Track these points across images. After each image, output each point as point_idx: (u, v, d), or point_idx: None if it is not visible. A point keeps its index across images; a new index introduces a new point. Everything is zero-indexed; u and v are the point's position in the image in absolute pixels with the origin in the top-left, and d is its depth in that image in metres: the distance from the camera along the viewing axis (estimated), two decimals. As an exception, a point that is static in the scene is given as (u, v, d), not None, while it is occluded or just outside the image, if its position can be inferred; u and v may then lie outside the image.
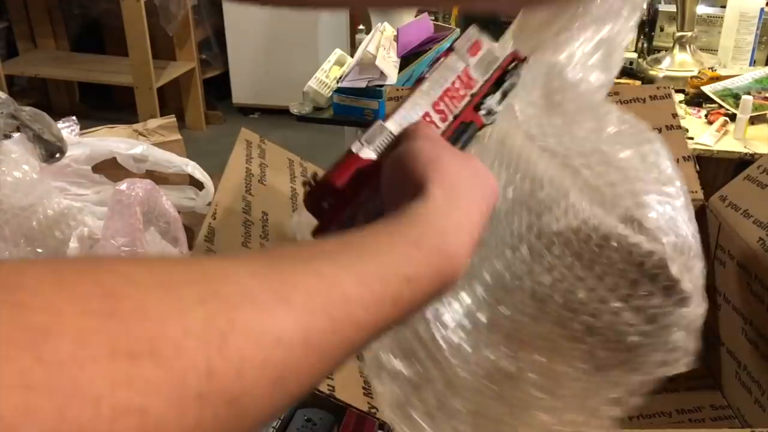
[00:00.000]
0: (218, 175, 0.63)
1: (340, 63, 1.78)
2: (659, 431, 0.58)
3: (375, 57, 1.63)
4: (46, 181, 0.93)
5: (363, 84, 1.63)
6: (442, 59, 0.49)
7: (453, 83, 0.48)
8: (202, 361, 0.22)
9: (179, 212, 0.96)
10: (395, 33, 1.74)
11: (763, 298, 0.62)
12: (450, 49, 0.49)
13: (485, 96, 0.50)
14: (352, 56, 1.77)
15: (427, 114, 0.47)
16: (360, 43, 1.78)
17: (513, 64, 0.51)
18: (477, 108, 0.49)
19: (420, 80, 0.48)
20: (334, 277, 0.28)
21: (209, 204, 0.94)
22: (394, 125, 0.45)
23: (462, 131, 0.48)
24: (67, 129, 1.14)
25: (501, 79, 0.50)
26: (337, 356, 0.27)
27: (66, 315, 0.20)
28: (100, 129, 1.21)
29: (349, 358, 0.28)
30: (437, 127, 0.47)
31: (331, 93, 1.69)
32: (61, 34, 3.29)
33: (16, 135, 0.90)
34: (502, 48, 0.51)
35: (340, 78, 1.71)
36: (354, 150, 0.43)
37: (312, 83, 1.72)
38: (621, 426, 0.60)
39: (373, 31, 1.76)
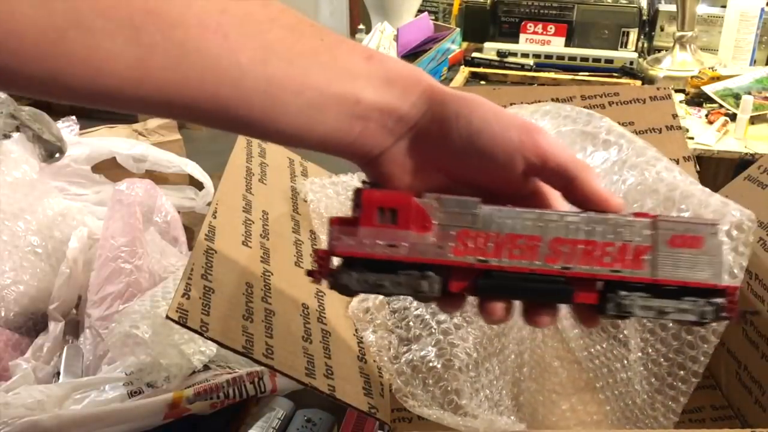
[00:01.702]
0: (218, 175, 0.63)
1: (340, 63, 1.78)
2: (658, 431, 0.57)
3: (375, 57, 1.63)
4: (45, 181, 0.93)
5: (363, 84, 1.62)
6: (633, 217, 0.38)
7: (609, 244, 0.38)
8: None
9: (179, 212, 0.96)
10: (395, 33, 1.74)
11: (763, 298, 0.62)
12: (653, 217, 0.38)
13: (641, 289, 0.38)
14: (352, 56, 1.77)
15: (535, 239, 0.38)
16: (360, 43, 1.78)
17: (716, 302, 0.38)
18: (609, 289, 0.38)
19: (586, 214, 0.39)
20: None
21: (209, 204, 0.94)
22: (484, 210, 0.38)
23: (548, 285, 0.38)
24: (67, 129, 1.14)
25: (681, 294, 0.38)
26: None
27: None
28: (99, 129, 1.21)
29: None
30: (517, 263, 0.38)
31: (331, 93, 1.69)
32: (61, 33, 3.28)
33: (15, 135, 0.90)
34: (720, 269, 0.38)
35: (340, 78, 1.71)
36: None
37: (312, 83, 1.71)
38: (620, 426, 0.60)
39: (373, 31, 1.76)
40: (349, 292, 0.39)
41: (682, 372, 0.56)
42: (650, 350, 0.57)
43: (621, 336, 0.61)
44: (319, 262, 0.39)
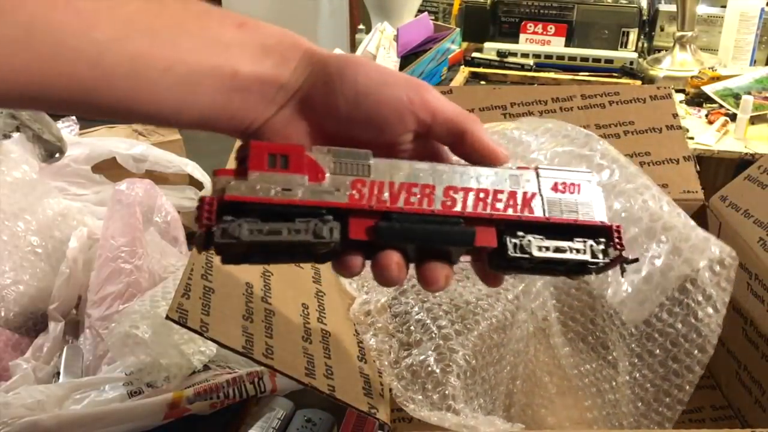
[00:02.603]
0: (218, 175, 0.63)
1: (340, 63, 1.78)
2: (658, 431, 0.57)
3: (375, 57, 1.63)
4: (45, 181, 0.93)
5: (363, 84, 1.62)
6: (518, 167, 0.40)
7: (500, 191, 0.39)
8: None
9: (179, 212, 0.96)
10: (395, 33, 1.74)
11: (763, 298, 0.62)
12: (536, 168, 0.41)
13: (535, 231, 0.39)
14: (352, 56, 1.77)
15: (429, 187, 0.38)
16: (360, 43, 1.78)
17: (603, 240, 0.40)
18: (508, 231, 0.39)
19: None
20: None
21: (209, 204, 0.94)
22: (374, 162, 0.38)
23: (449, 227, 0.38)
24: (67, 129, 1.14)
25: (571, 234, 0.40)
26: None
27: None
28: (99, 129, 1.21)
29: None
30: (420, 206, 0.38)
31: (331, 93, 1.69)
32: (61, 33, 3.28)
33: (15, 135, 0.90)
34: (602, 211, 0.41)
35: (340, 78, 1.71)
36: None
37: (312, 83, 1.71)
38: (620, 426, 0.60)
39: (373, 31, 1.76)
40: (238, 248, 0.35)
41: (667, 399, 0.57)
42: (637, 375, 0.58)
43: (610, 358, 0.61)
44: (205, 211, 0.34)
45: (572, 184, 0.40)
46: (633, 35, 1.80)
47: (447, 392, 0.51)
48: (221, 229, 0.34)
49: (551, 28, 1.84)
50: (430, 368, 0.52)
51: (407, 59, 1.73)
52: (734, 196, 0.70)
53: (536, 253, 0.38)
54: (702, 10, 1.82)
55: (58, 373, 0.73)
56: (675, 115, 0.77)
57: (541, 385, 0.64)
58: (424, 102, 0.38)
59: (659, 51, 1.86)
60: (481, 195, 0.39)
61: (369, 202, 0.37)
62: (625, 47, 1.80)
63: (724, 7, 1.80)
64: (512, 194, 0.39)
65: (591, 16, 1.83)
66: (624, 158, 0.63)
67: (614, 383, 0.60)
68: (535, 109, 0.77)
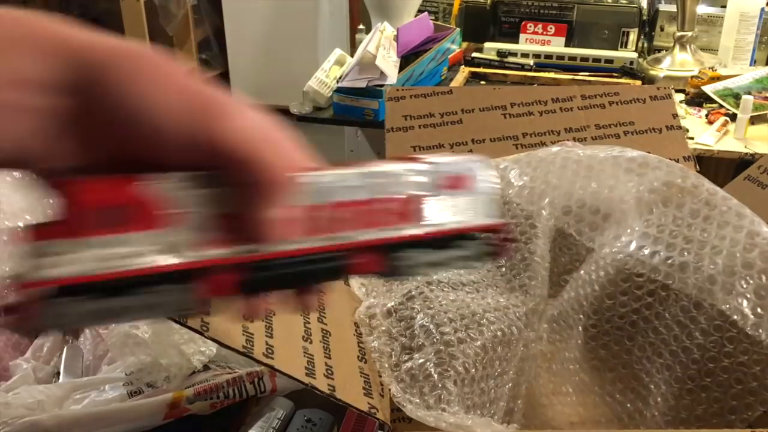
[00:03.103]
0: (218, 174, 0.63)
1: (340, 63, 1.78)
2: (658, 431, 0.57)
3: (375, 57, 1.63)
4: (45, 180, 0.93)
5: (363, 84, 1.63)
6: (408, 159, 0.35)
7: (389, 200, 0.33)
8: None
9: (179, 212, 0.96)
10: (395, 32, 1.74)
11: (763, 298, 0.61)
12: (425, 160, 0.35)
13: (421, 245, 0.35)
14: (352, 56, 1.77)
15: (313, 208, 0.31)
16: (360, 43, 1.78)
17: (492, 242, 0.37)
18: (392, 249, 0.34)
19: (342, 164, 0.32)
20: None
21: (209, 204, 0.93)
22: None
23: (323, 264, 0.31)
24: (67, 129, 1.14)
25: (456, 240, 0.36)
26: None
27: None
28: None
29: None
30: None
31: (331, 93, 1.70)
32: (61, 33, 3.28)
33: (15, 135, 0.90)
34: (491, 207, 0.38)
35: (340, 78, 1.71)
36: None
37: (312, 83, 1.72)
38: (620, 426, 0.60)
39: (373, 31, 1.76)
40: (59, 328, 0.28)
41: None
42: (682, 410, 0.55)
43: (642, 390, 0.58)
44: (23, 297, 0.25)
45: (466, 176, 0.36)
46: (633, 35, 1.80)
47: (443, 396, 0.51)
48: (43, 312, 0.26)
49: (551, 28, 1.84)
50: (428, 372, 0.52)
51: (407, 59, 1.74)
52: (734, 196, 0.70)
53: (423, 270, 0.36)
54: (702, 10, 1.82)
55: (58, 373, 0.73)
56: (675, 116, 0.77)
57: (540, 406, 0.62)
58: (208, 133, 0.28)
59: (659, 51, 1.86)
60: (366, 209, 0.33)
61: (233, 248, 0.29)
62: (625, 47, 1.80)
63: (724, 7, 1.80)
64: (401, 201, 0.34)
65: (591, 16, 1.83)
66: (733, 198, 0.59)
67: (638, 416, 0.58)
68: (535, 110, 0.77)
